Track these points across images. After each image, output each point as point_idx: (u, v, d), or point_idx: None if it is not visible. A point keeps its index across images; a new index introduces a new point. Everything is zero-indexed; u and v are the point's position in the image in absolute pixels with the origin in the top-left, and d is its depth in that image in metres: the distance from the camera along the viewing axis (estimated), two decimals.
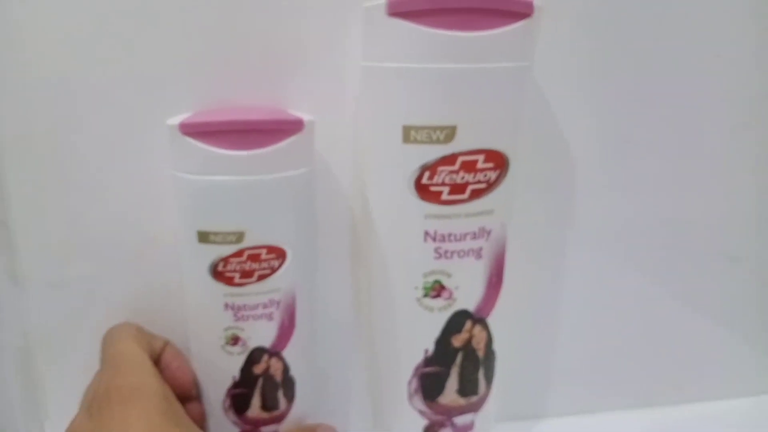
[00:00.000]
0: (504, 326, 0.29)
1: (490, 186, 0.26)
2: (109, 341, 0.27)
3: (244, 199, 0.25)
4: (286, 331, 0.28)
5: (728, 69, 0.32)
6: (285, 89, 0.29)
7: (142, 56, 0.28)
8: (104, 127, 0.28)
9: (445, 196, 0.25)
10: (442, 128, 0.24)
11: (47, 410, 0.33)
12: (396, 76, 0.24)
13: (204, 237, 0.26)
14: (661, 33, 0.31)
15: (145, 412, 0.23)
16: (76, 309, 0.31)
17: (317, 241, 0.29)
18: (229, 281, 0.26)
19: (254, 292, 0.27)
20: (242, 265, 0.26)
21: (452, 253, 0.26)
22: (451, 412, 0.29)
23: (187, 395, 0.28)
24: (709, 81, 0.32)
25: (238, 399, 0.29)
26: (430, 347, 0.28)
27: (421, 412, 0.29)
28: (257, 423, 0.29)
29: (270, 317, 0.27)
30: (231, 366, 0.28)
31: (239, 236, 0.25)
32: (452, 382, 0.29)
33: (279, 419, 0.29)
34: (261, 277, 0.26)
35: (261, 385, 0.28)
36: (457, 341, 0.28)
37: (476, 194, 0.26)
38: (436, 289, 0.27)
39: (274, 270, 0.27)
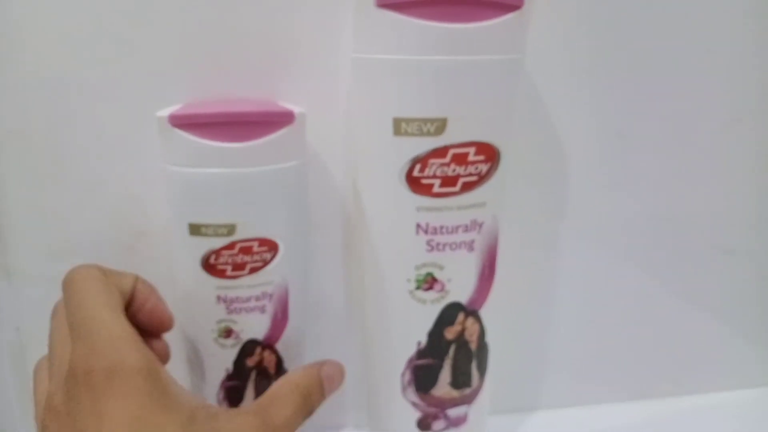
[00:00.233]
0: (497, 318, 0.29)
1: (482, 178, 0.26)
2: (74, 297, 0.23)
3: (236, 192, 0.25)
4: (279, 323, 0.28)
5: (723, 65, 0.32)
6: (276, 81, 0.29)
7: (134, 52, 0.28)
8: (96, 122, 0.28)
9: (436, 189, 0.25)
10: (432, 120, 0.24)
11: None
12: (386, 68, 0.24)
13: (195, 230, 0.26)
14: (656, 28, 0.31)
15: (123, 400, 0.20)
16: None
17: (309, 234, 0.29)
18: (221, 274, 0.26)
19: (246, 285, 0.27)
20: (234, 258, 0.26)
21: (444, 245, 0.26)
22: (444, 404, 0.30)
23: (166, 331, 0.27)
24: (704, 77, 0.32)
25: (232, 391, 0.29)
26: (423, 339, 0.28)
27: (415, 405, 0.29)
28: None
29: (263, 310, 0.27)
30: (224, 359, 0.28)
31: (231, 229, 0.26)
32: (445, 375, 0.29)
33: None
34: (253, 270, 0.27)
35: (254, 377, 0.28)
36: (450, 333, 0.28)
37: (468, 187, 0.26)
38: (429, 282, 0.27)
39: (266, 263, 0.27)
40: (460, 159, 0.25)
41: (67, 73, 0.27)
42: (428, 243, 0.26)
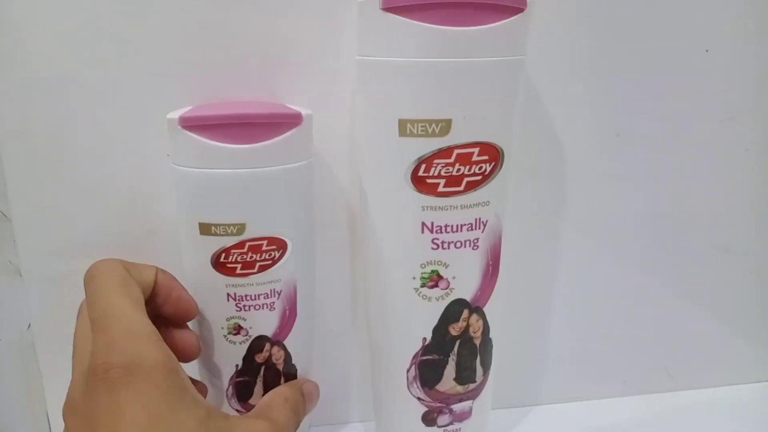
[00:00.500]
0: (500, 315, 0.30)
1: (486, 178, 0.26)
2: (94, 292, 0.23)
3: (245, 192, 0.26)
4: (287, 320, 0.29)
5: (719, 65, 0.33)
6: (283, 84, 0.29)
7: (140, 53, 0.28)
8: (104, 122, 0.29)
9: (441, 188, 0.26)
10: (437, 122, 0.25)
11: (47, 402, 0.33)
12: (391, 71, 0.25)
13: (206, 229, 0.26)
14: (653, 29, 0.31)
15: (141, 396, 0.19)
16: (77, 302, 0.31)
17: (316, 233, 0.30)
18: (230, 272, 0.27)
19: (256, 283, 0.27)
20: (243, 256, 0.27)
21: (449, 243, 0.27)
22: (449, 399, 0.30)
23: (191, 320, 0.27)
24: (701, 76, 0.33)
25: (241, 387, 0.29)
26: (428, 336, 0.29)
27: (420, 400, 0.30)
28: None
29: (271, 307, 0.28)
30: (234, 355, 0.29)
31: (240, 228, 0.26)
32: (450, 370, 0.29)
33: None
34: (262, 268, 0.27)
35: (263, 373, 0.29)
36: (455, 330, 0.29)
37: (472, 186, 0.26)
38: (434, 279, 0.28)
39: (275, 261, 0.27)
40: (465, 159, 0.25)
41: (68, 74, 0.28)
42: (433, 241, 0.27)
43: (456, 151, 0.25)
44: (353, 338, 0.34)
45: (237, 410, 0.30)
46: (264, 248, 0.27)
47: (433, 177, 0.26)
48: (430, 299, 0.28)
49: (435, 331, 0.28)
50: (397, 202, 0.27)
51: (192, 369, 0.32)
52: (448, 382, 0.30)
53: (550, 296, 0.36)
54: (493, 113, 0.25)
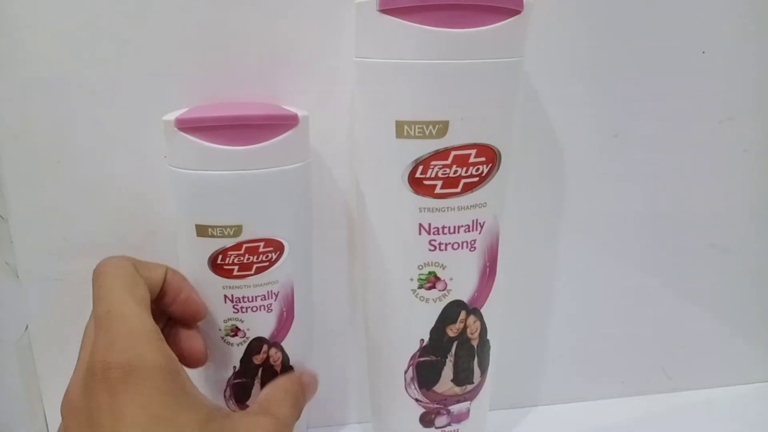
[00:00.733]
0: (498, 316, 0.30)
1: (483, 179, 0.26)
2: (100, 289, 0.23)
3: (242, 194, 0.26)
4: (284, 322, 0.29)
5: (717, 66, 0.33)
6: (280, 85, 0.29)
7: (140, 53, 0.28)
8: (102, 123, 0.29)
9: (438, 190, 0.26)
10: (434, 123, 0.25)
11: (45, 403, 0.33)
12: (388, 72, 0.25)
13: (202, 231, 0.26)
14: (651, 30, 0.31)
15: (141, 398, 0.19)
16: (75, 303, 0.31)
17: (314, 234, 0.30)
18: (228, 274, 0.27)
19: (253, 284, 0.27)
20: (240, 258, 0.27)
21: (446, 245, 0.27)
22: (446, 400, 0.30)
23: (200, 320, 0.27)
24: (699, 77, 0.33)
25: (239, 388, 0.29)
26: (426, 337, 0.29)
27: (418, 401, 0.30)
28: None
29: (269, 308, 0.28)
30: (231, 356, 0.29)
31: (237, 230, 0.26)
32: (447, 372, 0.29)
33: None
34: (259, 270, 0.27)
35: (261, 374, 0.29)
36: (452, 331, 0.29)
37: (469, 188, 0.26)
38: (431, 281, 0.28)
39: (272, 262, 0.27)
40: (462, 161, 0.25)
41: (68, 74, 0.28)
42: (430, 243, 0.27)
43: (453, 153, 0.25)
44: (351, 339, 0.34)
45: (235, 411, 0.30)
46: (261, 250, 0.27)
47: (430, 178, 0.26)
48: (427, 300, 0.28)
49: (432, 332, 0.28)
50: (394, 203, 0.27)
51: (191, 369, 0.32)
52: (445, 383, 0.30)
53: (549, 297, 0.36)
54: (491, 115, 0.25)
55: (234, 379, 0.29)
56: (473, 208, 0.27)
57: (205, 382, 0.30)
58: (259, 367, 0.29)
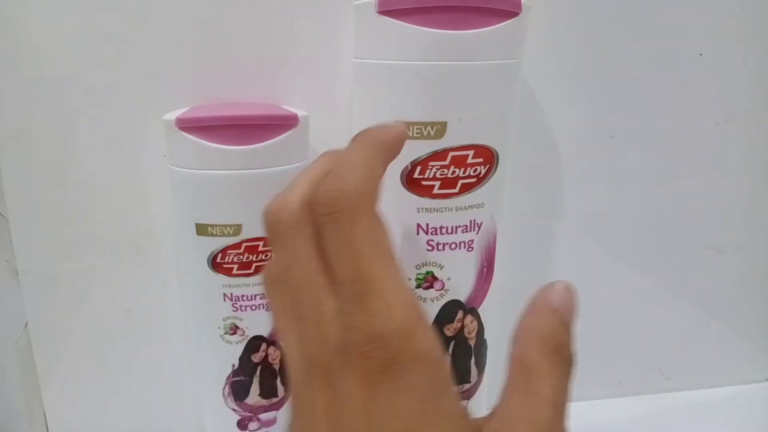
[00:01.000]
0: (496, 315, 0.30)
1: (480, 180, 0.26)
2: (341, 236, 0.17)
3: (242, 193, 0.26)
4: None
5: (713, 68, 0.33)
6: (280, 85, 0.29)
7: (138, 54, 0.28)
8: (101, 123, 0.29)
9: (436, 190, 0.26)
10: (432, 124, 0.25)
11: (45, 401, 0.33)
12: (387, 73, 0.25)
13: (202, 229, 0.26)
14: (649, 31, 0.32)
15: (406, 395, 0.15)
16: (75, 301, 0.31)
17: None
18: (227, 272, 0.27)
19: (252, 283, 0.27)
20: (240, 257, 0.27)
21: (444, 245, 0.27)
22: None
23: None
24: (695, 79, 0.33)
25: (238, 386, 0.29)
26: None
27: None
28: (256, 410, 0.30)
29: (267, 307, 0.28)
30: (230, 354, 0.29)
31: (237, 229, 0.26)
32: None
33: (277, 406, 0.30)
34: (259, 269, 0.27)
35: (259, 373, 0.29)
36: (449, 330, 0.29)
37: (466, 188, 0.26)
38: (429, 281, 0.28)
39: None
40: (460, 161, 0.25)
41: (68, 74, 0.28)
42: (428, 243, 0.27)
43: (451, 154, 0.25)
44: None
45: (233, 409, 0.30)
46: (260, 249, 0.27)
47: (428, 179, 0.26)
48: (425, 300, 0.28)
49: None
50: (392, 203, 0.27)
51: (190, 369, 0.32)
52: None
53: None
54: (488, 116, 0.26)
55: (233, 377, 0.29)
56: (471, 208, 0.27)
57: (203, 380, 0.30)
58: (258, 366, 0.29)
